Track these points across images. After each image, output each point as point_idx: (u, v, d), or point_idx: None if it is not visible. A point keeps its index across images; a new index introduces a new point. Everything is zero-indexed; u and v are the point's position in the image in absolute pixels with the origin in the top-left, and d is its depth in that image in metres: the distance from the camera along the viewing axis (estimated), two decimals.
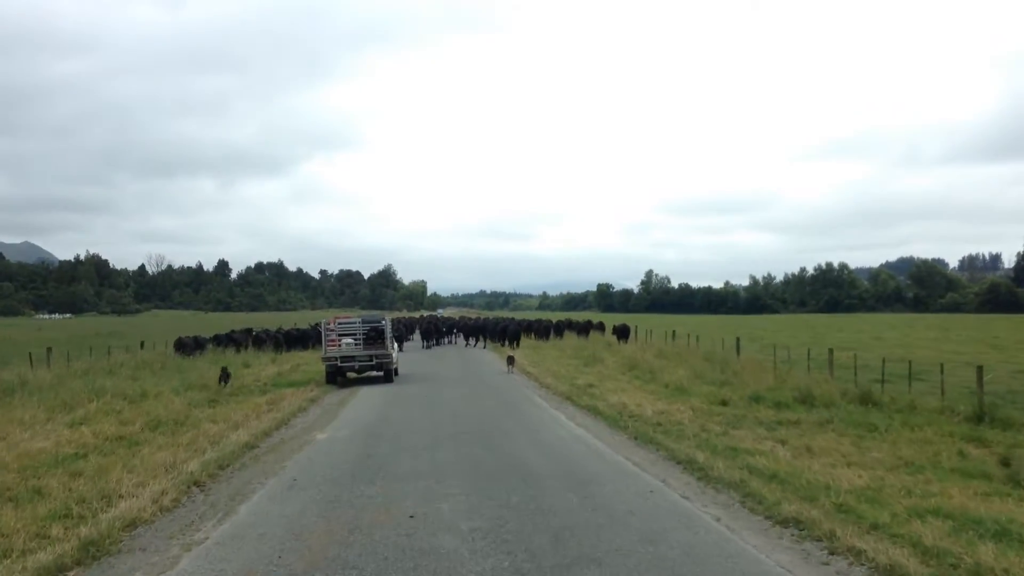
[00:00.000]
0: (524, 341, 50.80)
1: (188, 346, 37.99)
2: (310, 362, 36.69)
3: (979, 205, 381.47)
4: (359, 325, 28.14)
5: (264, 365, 33.77)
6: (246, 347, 41.89)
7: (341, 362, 27.20)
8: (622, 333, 48.72)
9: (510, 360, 32.75)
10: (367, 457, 13.26)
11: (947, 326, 73.63)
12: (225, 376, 25.19)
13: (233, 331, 46.38)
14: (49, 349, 29.47)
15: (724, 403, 20.12)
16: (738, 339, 33.95)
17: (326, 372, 27.42)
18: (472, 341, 45.77)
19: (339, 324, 28.46)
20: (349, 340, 27.65)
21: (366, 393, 24.82)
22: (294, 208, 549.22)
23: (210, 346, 39.47)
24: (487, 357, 42.01)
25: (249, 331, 46.42)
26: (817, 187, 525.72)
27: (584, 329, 56.05)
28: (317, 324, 51.51)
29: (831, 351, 25.64)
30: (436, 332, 57.20)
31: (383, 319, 29.12)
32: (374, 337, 27.94)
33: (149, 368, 29.41)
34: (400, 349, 40.13)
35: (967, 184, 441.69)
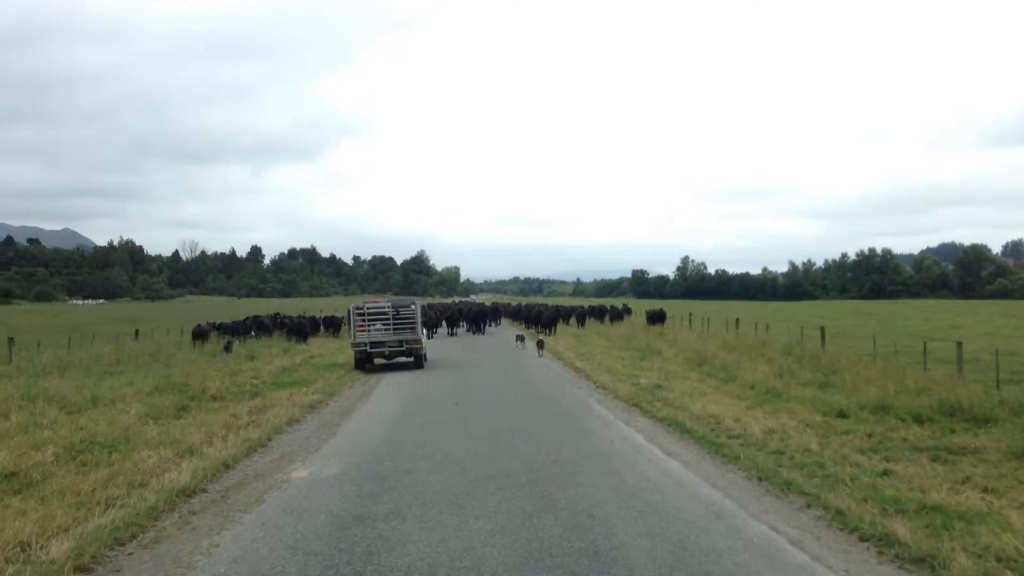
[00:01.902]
0: (562, 329, 46.96)
1: (206, 334, 34.72)
2: (326, 353, 32.69)
3: (1019, 189, 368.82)
4: (389, 310, 27.44)
5: (272, 357, 29.33)
6: (253, 335, 37.51)
7: (371, 348, 26.78)
8: (657, 319, 45.39)
9: (539, 344, 32.00)
10: (356, 522, 8.31)
11: (1021, 313, 67.38)
12: (228, 346, 23.59)
13: (248, 318, 42.03)
14: (11, 339, 24.90)
15: (843, 415, 15.33)
16: (823, 328, 28.74)
17: (355, 358, 27.00)
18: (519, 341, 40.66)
19: (369, 309, 27.69)
20: (379, 325, 27.07)
21: (383, 394, 20.39)
22: (325, 194, 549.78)
23: (214, 335, 34.97)
24: (525, 347, 37.31)
25: (256, 319, 41.95)
26: (848, 173, 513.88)
27: (618, 315, 52.22)
28: (331, 315, 48.45)
29: (959, 344, 20.35)
30: (468, 319, 52.99)
31: (413, 303, 28.31)
32: (404, 322, 27.21)
33: (134, 361, 24.90)
34: (430, 336, 39.68)
35: (1005, 168, 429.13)
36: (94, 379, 20.02)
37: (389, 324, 27.13)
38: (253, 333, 38.33)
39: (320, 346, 36.90)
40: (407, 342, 27.02)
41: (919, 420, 14.42)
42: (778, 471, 10.73)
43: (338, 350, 34.55)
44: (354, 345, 27.17)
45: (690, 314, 46.88)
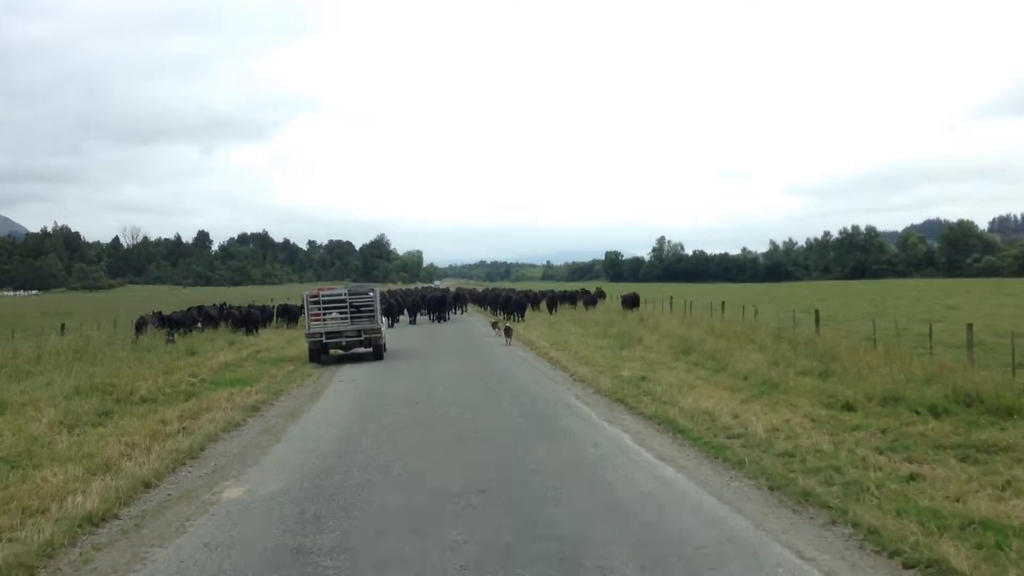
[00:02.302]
0: (532, 315, 46.85)
1: (146, 325, 33.90)
2: (275, 346, 31.76)
3: (1005, 163, 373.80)
4: (346, 297, 27.23)
5: (215, 352, 28.08)
6: (199, 328, 36.33)
7: (326, 338, 26.60)
8: (631, 303, 45.21)
9: (507, 331, 32.09)
10: (295, 558, 7.17)
11: (1016, 292, 67.51)
12: (170, 337, 24.60)
13: (193, 308, 40.61)
14: None
15: (849, 407, 14.57)
16: (817, 312, 28.06)
17: (309, 350, 26.77)
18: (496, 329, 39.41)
19: (324, 296, 27.45)
20: (335, 314, 26.89)
21: (336, 392, 19.32)
22: (279, 176, 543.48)
23: (152, 327, 33.59)
24: (491, 334, 36.40)
25: (201, 309, 40.58)
26: (830, 149, 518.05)
27: (591, 300, 52.65)
28: (285, 303, 47.80)
29: (970, 327, 19.64)
30: (430, 306, 52.29)
31: (372, 290, 28.24)
32: (362, 310, 27.05)
33: (56, 359, 23.48)
34: (391, 324, 40.48)
35: (990, 142, 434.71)
36: (3, 381, 18.66)
37: (346, 313, 26.90)
38: (200, 325, 37.06)
39: (271, 338, 35.77)
40: (365, 331, 26.83)
41: (935, 412, 13.68)
42: (791, 478, 9.82)
43: (289, 342, 33.57)
44: (308, 336, 26.94)
45: (671, 298, 46.12)
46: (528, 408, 15.62)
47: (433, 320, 50.27)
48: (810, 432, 12.43)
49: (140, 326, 34.16)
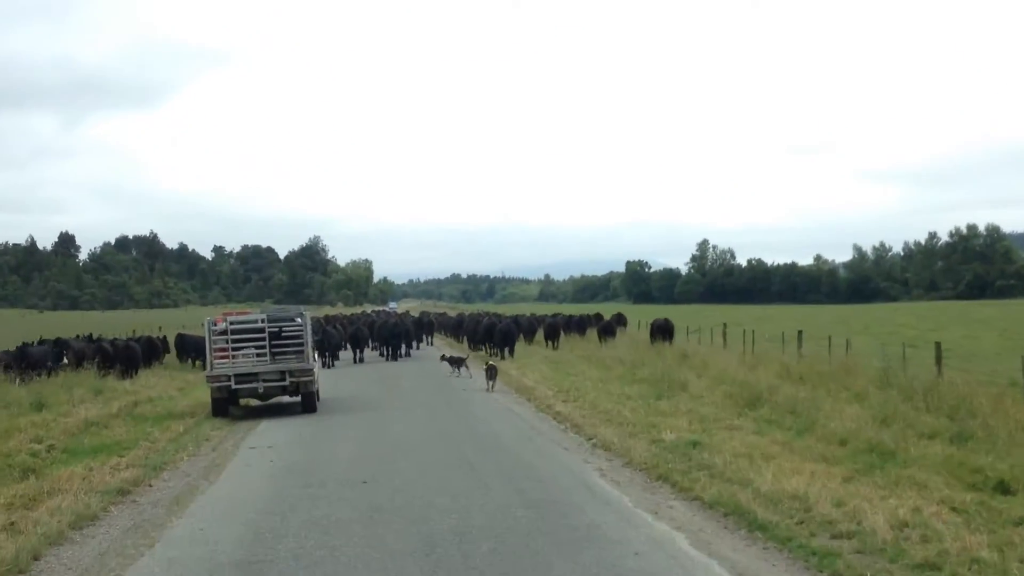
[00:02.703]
0: (526, 350, 47.25)
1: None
2: (162, 394, 31.49)
3: None
4: (264, 325, 27.30)
5: (75, 404, 27.19)
6: (63, 367, 36.01)
7: (236, 382, 26.43)
8: (663, 332, 44.76)
9: (491, 371, 32.01)
10: None
11: None
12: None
13: (35, 342, 39.47)
14: None
15: (1004, 489, 13.93)
16: (938, 345, 27.21)
17: (212, 399, 26.60)
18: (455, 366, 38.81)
19: (233, 324, 27.40)
20: (249, 348, 26.96)
21: (244, 465, 18.47)
22: (172, 157, 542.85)
23: None
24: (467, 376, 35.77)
25: (59, 343, 39.64)
26: (935, 121, 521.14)
27: (608, 329, 51.72)
28: (181, 333, 48.04)
29: None
30: (380, 337, 52.83)
31: (300, 315, 28.56)
32: (287, 344, 27.14)
33: None
34: (328, 364, 42.94)
35: None
36: None
37: (264, 347, 26.89)
38: (65, 361, 36.66)
39: (156, 384, 35.07)
40: (291, 373, 26.79)
41: None
42: None
43: (181, 390, 33.17)
44: (211, 379, 26.67)
45: (724, 325, 45.30)
46: (531, 492, 14.64)
47: (387, 357, 50.30)
48: (957, 529, 11.58)
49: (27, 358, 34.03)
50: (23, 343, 39.82)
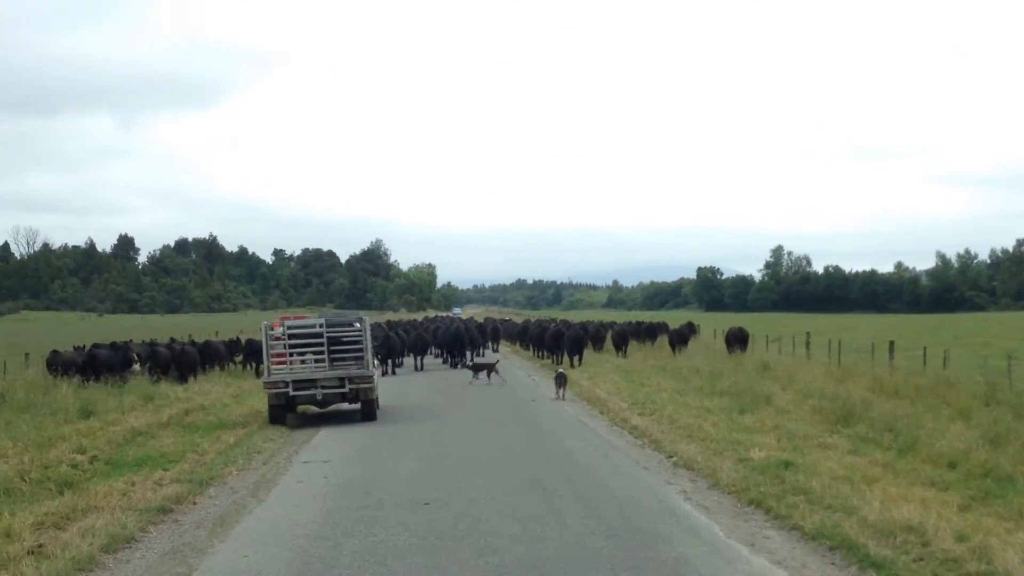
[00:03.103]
0: (597, 361, 46.20)
1: (70, 366, 34.18)
2: (215, 403, 30.89)
3: None
4: (322, 330, 27.21)
5: (123, 412, 27.00)
6: (134, 372, 36.09)
7: (294, 389, 26.39)
8: (739, 341, 44.99)
9: (560, 379, 31.87)
10: None
11: None
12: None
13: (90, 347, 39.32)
14: None
15: None
16: None
17: (269, 406, 26.64)
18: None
19: (291, 329, 27.50)
20: (308, 354, 27.03)
21: (296, 482, 17.60)
22: (232, 159, 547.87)
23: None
24: (535, 386, 35.49)
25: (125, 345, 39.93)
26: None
27: (681, 337, 51.53)
28: (239, 338, 48.31)
29: None
30: (441, 343, 52.97)
31: (358, 320, 28.25)
32: (346, 349, 27.13)
33: None
34: (390, 371, 43.52)
35: None
36: None
37: (323, 353, 26.81)
38: (136, 367, 36.59)
39: (210, 391, 34.47)
40: (351, 380, 26.60)
41: None
42: None
43: (236, 398, 32.61)
44: (268, 386, 26.67)
45: (807, 334, 44.08)
46: (610, 519, 13.61)
47: (448, 364, 49.96)
48: None
49: (56, 365, 33.85)
50: (94, 345, 40.64)
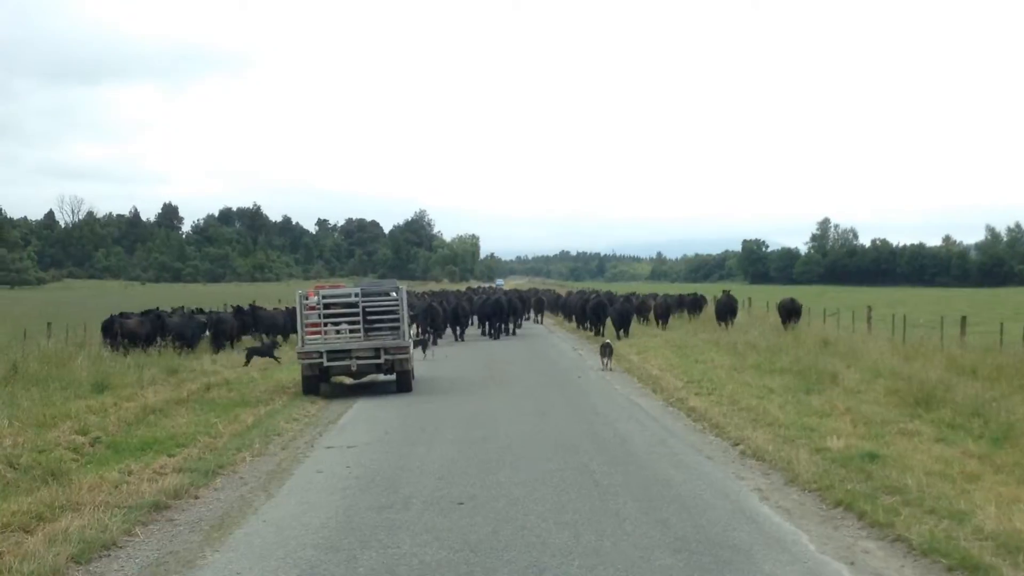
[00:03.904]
0: (644, 334, 45.03)
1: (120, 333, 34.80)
2: (240, 378, 29.35)
3: None
4: (357, 299, 26.97)
5: (143, 386, 25.43)
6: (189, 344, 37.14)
7: (328, 359, 26.14)
8: (791, 313, 42.93)
9: (606, 349, 31.78)
10: None
11: None
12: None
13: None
14: None
15: None
16: None
17: (303, 376, 26.41)
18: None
19: (325, 298, 27.08)
20: (342, 324, 26.79)
21: (313, 472, 15.57)
22: (276, 127, 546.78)
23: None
24: (578, 358, 33.87)
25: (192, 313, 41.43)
26: None
27: (729, 309, 48.66)
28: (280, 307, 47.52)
29: None
30: (482, 314, 52.26)
31: (395, 289, 28.12)
32: (381, 319, 26.88)
33: None
34: (432, 342, 41.94)
35: None
36: None
37: (358, 323, 26.56)
38: (208, 332, 38.34)
39: (237, 364, 32.84)
40: (386, 351, 26.40)
41: None
42: None
43: (264, 371, 31.20)
44: (302, 356, 26.29)
45: (868, 308, 41.75)
46: (676, 525, 11.46)
47: (488, 335, 50.26)
48: None
49: (112, 330, 34.31)
50: (159, 311, 41.41)
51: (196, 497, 13.65)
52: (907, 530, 10.87)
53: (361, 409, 23.18)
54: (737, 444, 16.99)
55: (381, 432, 19.26)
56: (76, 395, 22.72)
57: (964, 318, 33.25)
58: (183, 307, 47.02)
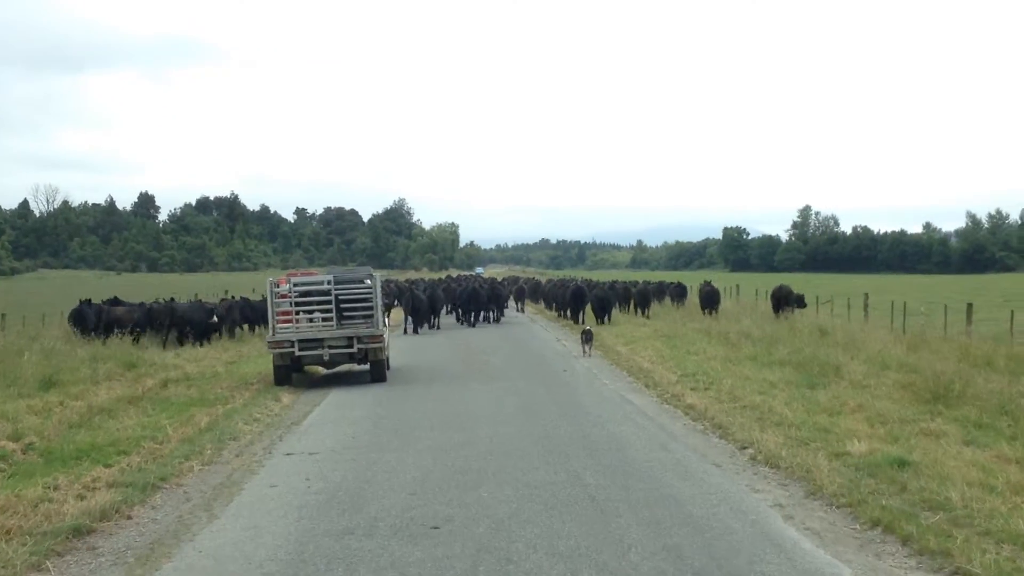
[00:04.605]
0: (628, 323, 44.01)
1: (89, 319, 33.79)
2: (204, 371, 27.83)
3: None
4: (330, 287, 26.63)
5: (101, 380, 24.11)
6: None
7: (300, 348, 25.72)
8: (785, 303, 40.95)
9: (586, 335, 31.88)
10: None
11: None
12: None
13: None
14: None
15: None
16: None
17: (274, 366, 25.91)
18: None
19: (296, 286, 26.79)
20: (315, 312, 26.57)
21: (268, 486, 13.62)
22: (254, 116, 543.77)
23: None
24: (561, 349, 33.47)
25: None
26: None
27: (712, 299, 47.49)
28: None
29: None
30: (460, 304, 51.97)
31: (369, 276, 27.68)
32: (355, 307, 26.76)
33: None
34: (411, 330, 44.06)
35: None
36: None
37: (331, 311, 26.27)
38: (216, 318, 37.89)
39: (204, 357, 31.80)
40: (360, 340, 25.92)
41: None
42: None
43: (231, 365, 29.83)
44: (272, 345, 25.80)
45: (865, 296, 40.20)
46: (690, 553, 9.64)
47: (464, 324, 49.81)
48: None
49: (82, 319, 33.47)
50: (171, 299, 41.41)
51: (129, 517, 11.68)
52: (967, 560, 9.12)
53: (329, 407, 21.32)
54: (745, 448, 15.22)
55: (349, 435, 17.33)
56: (20, 393, 20.97)
57: (970, 305, 31.69)
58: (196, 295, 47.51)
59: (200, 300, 42.02)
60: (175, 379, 25.28)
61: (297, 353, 25.69)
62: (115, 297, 40.21)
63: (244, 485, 13.48)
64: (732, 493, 12.31)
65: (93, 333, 32.68)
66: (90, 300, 36.37)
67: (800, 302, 40.65)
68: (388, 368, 27.61)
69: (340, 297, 26.50)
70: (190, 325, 36.29)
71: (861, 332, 31.36)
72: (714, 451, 15.27)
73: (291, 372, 25.98)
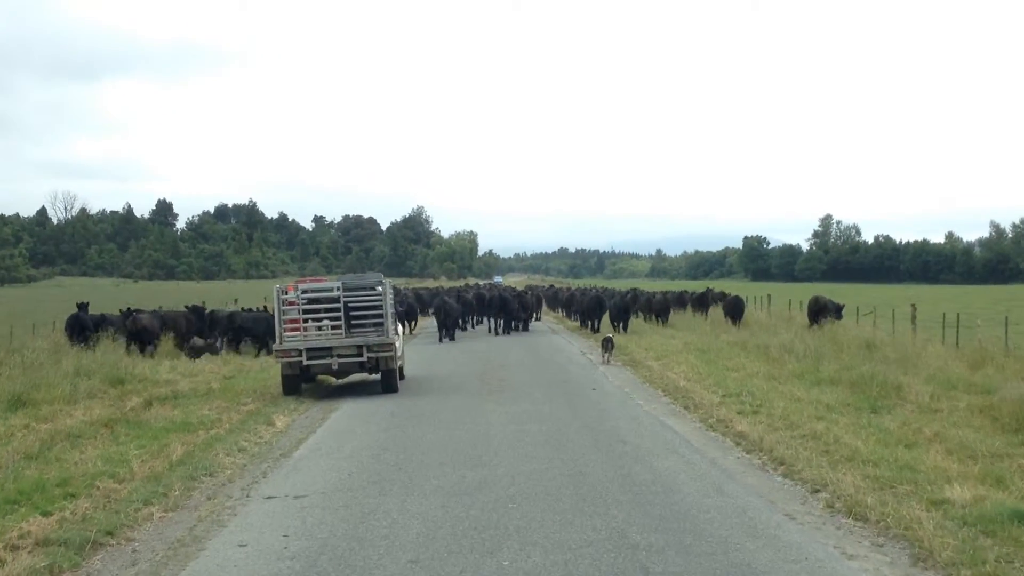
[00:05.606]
0: (652, 335, 42.27)
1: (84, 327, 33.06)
2: (201, 386, 25.80)
3: None
4: (339, 294, 25.94)
5: (81, 398, 21.97)
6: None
7: (308, 357, 25.19)
8: (820, 314, 38.40)
9: (607, 343, 31.88)
10: None
11: None
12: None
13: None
14: None
15: None
16: None
17: (282, 376, 25.52)
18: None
19: (304, 293, 26.24)
20: (324, 320, 25.86)
21: (232, 544, 10.99)
22: (273, 123, 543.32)
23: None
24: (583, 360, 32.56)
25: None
26: None
27: (737, 308, 46.49)
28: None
29: None
30: (482, 312, 52.80)
31: (379, 283, 26.84)
32: (365, 314, 25.94)
33: None
34: (443, 336, 44.11)
35: None
36: None
37: (340, 319, 25.53)
38: (218, 338, 36.72)
39: (200, 371, 29.67)
40: (370, 348, 25.40)
41: None
42: None
43: (227, 380, 27.53)
44: (280, 354, 25.44)
45: (912, 306, 37.87)
46: None
47: (495, 333, 49.03)
48: None
49: (76, 327, 32.76)
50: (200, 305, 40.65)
51: None
52: None
53: (327, 433, 18.65)
54: (817, 491, 12.66)
55: (344, 472, 14.57)
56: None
57: None
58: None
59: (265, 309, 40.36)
60: (161, 397, 22.83)
61: (305, 362, 25.00)
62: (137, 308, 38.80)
63: (207, 542, 10.79)
64: (820, 559, 9.71)
65: (86, 343, 31.01)
66: (87, 305, 35.25)
67: (837, 313, 38.08)
68: (402, 378, 27.25)
69: (349, 304, 25.67)
70: (251, 335, 36.37)
71: (912, 346, 28.77)
72: (780, 495, 12.67)
73: (300, 382, 25.34)
